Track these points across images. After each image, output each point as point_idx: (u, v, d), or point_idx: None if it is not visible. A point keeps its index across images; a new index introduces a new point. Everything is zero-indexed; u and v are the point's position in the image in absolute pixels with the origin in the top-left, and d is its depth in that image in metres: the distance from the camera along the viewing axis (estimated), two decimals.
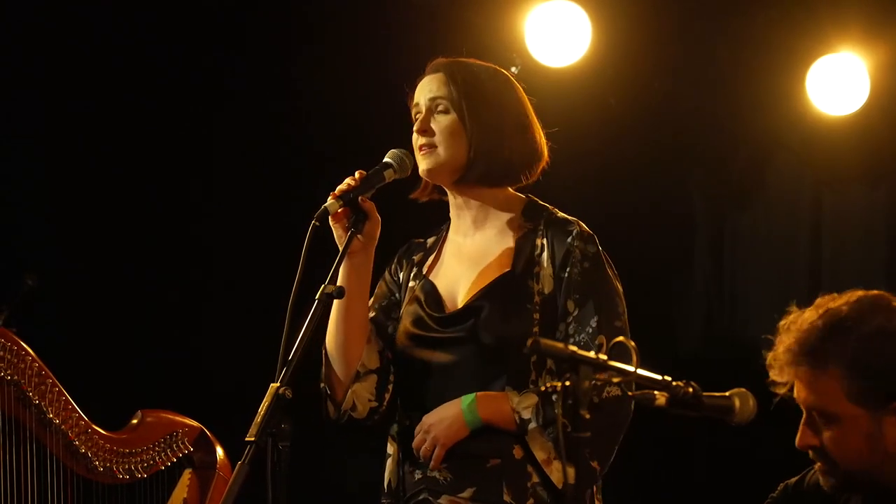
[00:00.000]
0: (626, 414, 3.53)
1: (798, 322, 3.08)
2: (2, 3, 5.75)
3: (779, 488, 3.33)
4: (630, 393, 2.82)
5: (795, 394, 3.08)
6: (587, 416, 2.65)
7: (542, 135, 3.72)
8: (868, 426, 3.03)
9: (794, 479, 3.31)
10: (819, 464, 3.12)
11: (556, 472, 3.51)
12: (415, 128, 3.67)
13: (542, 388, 3.36)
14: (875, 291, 3.11)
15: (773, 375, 3.10)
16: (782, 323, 3.12)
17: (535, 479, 3.52)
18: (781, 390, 3.11)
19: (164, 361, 5.90)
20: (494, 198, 3.71)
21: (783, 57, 5.93)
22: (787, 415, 3.17)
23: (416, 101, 3.71)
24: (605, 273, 3.62)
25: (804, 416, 3.09)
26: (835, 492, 3.13)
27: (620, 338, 2.80)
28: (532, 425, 3.51)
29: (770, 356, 3.11)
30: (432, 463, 3.55)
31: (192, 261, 6.05)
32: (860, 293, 3.10)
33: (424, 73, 3.74)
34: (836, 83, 5.87)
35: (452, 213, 3.77)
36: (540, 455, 3.52)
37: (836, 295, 3.12)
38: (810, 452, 3.11)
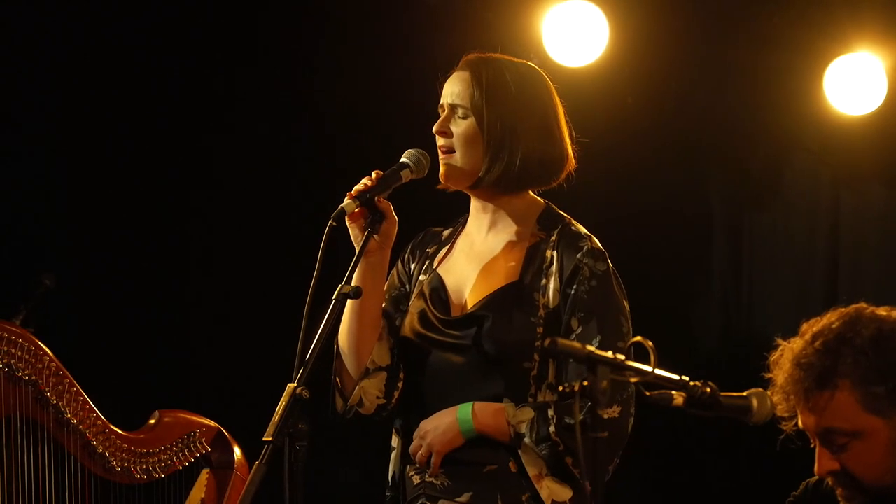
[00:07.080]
0: (622, 436, 3.51)
1: (791, 352, 3.06)
2: (21, 7, 5.77)
3: (801, 487, 3.31)
4: (647, 393, 2.81)
5: (803, 422, 3.05)
6: (605, 417, 2.65)
7: (568, 138, 3.68)
8: (889, 434, 3.00)
9: (814, 478, 3.30)
10: (840, 489, 3.07)
11: (545, 489, 3.50)
12: (434, 128, 3.66)
13: (560, 389, 3.35)
14: (854, 305, 3.09)
15: (779, 411, 3.06)
16: (773, 358, 3.09)
17: (529, 493, 3.51)
18: (788, 425, 3.08)
19: (182, 361, 5.92)
20: (512, 202, 3.68)
21: (801, 56, 5.92)
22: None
23: (442, 98, 3.69)
24: (612, 292, 3.58)
25: (818, 442, 3.05)
26: None
27: (638, 338, 2.79)
28: (526, 440, 3.50)
29: (769, 392, 3.04)
30: (430, 470, 3.56)
31: (211, 260, 6.06)
32: (841, 310, 3.08)
33: (457, 67, 3.71)
34: (853, 83, 5.85)
35: (472, 212, 3.77)
36: (531, 470, 3.51)
37: (816, 319, 3.10)
38: (830, 479, 3.08)
